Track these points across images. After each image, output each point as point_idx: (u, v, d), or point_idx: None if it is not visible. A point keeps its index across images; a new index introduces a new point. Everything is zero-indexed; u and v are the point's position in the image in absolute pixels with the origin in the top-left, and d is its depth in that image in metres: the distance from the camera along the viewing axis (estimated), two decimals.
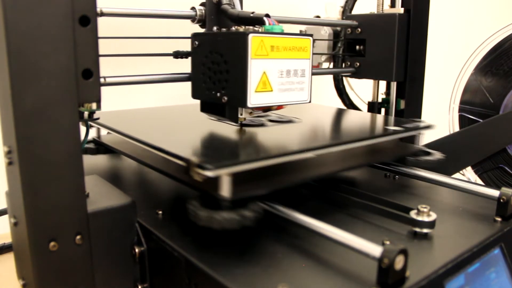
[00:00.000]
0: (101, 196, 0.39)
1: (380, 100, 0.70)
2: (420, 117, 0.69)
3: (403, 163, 0.50)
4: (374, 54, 0.65)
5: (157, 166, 0.43)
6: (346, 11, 0.70)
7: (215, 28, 0.50)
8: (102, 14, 0.44)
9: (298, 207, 0.37)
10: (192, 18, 0.51)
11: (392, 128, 0.49)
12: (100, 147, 0.55)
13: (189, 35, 0.46)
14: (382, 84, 0.70)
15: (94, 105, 0.36)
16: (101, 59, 0.34)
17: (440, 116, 0.80)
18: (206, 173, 0.33)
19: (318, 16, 0.73)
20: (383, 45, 0.63)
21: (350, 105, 0.75)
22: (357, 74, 0.67)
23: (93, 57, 0.34)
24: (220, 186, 0.34)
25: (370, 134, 0.47)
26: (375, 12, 0.66)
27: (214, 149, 0.40)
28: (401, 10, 0.63)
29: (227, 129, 0.48)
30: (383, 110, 0.70)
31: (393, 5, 0.66)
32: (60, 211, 0.33)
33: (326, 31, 0.69)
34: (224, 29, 0.49)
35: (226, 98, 0.42)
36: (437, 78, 0.94)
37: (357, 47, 0.67)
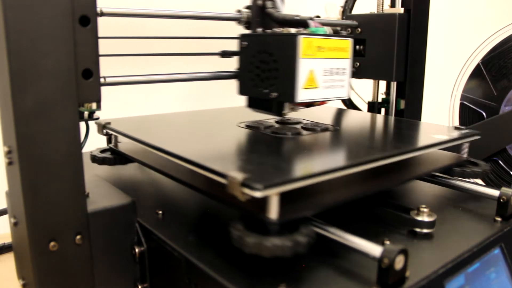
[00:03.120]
0: (101, 196, 0.39)
1: (380, 100, 0.70)
2: (420, 117, 0.69)
3: (450, 174, 0.47)
4: (374, 54, 0.65)
5: (184, 179, 0.40)
6: (346, 11, 0.70)
7: (259, 29, 0.53)
8: (102, 14, 0.44)
9: None
10: (238, 20, 0.54)
11: (441, 136, 0.46)
12: (117, 156, 0.50)
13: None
14: (382, 84, 0.70)
15: (94, 105, 0.36)
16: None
17: (440, 103, 0.80)
18: (254, 193, 0.29)
19: (318, 16, 0.73)
20: (383, 45, 0.63)
21: (350, 105, 0.75)
22: (357, 74, 0.67)
23: (93, 57, 0.34)
24: (267, 207, 0.30)
25: (422, 143, 0.44)
26: (375, 12, 0.66)
27: (256, 163, 0.36)
28: (401, 10, 0.63)
29: (261, 139, 0.45)
30: (383, 110, 0.70)
31: (393, 5, 0.66)
32: (60, 211, 0.33)
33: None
34: (269, 31, 0.51)
35: (275, 94, 0.44)
36: (439, 73, 0.94)
37: (357, 47, 0.67)
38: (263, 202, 0.30)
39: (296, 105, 0.46)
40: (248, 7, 0.54)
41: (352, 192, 0.38)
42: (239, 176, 0.30)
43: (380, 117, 0.62)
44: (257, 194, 0.29)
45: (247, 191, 0.30)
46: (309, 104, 0.47)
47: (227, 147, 0.43)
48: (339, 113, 0.64)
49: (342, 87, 0.47)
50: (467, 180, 0.47)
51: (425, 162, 0.48)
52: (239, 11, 0.54)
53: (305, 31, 0.45)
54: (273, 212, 0.31)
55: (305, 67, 0.43)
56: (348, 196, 0.37)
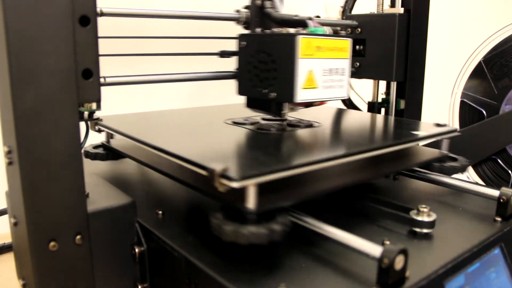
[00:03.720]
0: (101, 196, 0.39)
1: (380, 100, 0.70)
2: (420, 116, 0.69)
3: (429, 169, 0.49)
4: (374, 54, 0.65)
5: (172, 173, 0.42)
6: (346, 11, 0.70)
7: (258, 29, 0.53)
8: (102, 14, 0.44)
9: (298, 207, 0.37)
10: (237, 20, 0.54)
11: (419, 133, 0.47)
12: (110, 152, 0.52)
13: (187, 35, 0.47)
14: (382, 84, 0.70)
15: (94, 105, 0.36)
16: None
17: (440, 102, 0.80)
18: (231, 183, 0.31)
19: (318, 16, 0.73)
20: (383, 45, 0.63)
21: (350, 105, 0.75)
22: (357, 74, 0.67)
23: (93, 57, 0.34)
24: (245, 197, 0.32)
25: (399, 139, 0.45)
26: (375, 12, 0.66)
27: (237, 157, 0.38)
28: (401, 10, 0.63)
29: (246, 135, 0.46)
30: (383, 110, 0.70)
31: (393, 5, 0.66)
32: (60, 211, 0.33)
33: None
34: (267, 31, 0.51)
35: (274, 94, 0.44)
36: (440, 71, 0.94)
37: (357, 47, 0.67)
38: (241, 193, 0.32)
39: (295, 105, 0.46)
40: (247, 7, 0.54)
41: (331, 184, 0.39)
42: (218, 167, 0.31)
43: (366, 115, 0.63)
44: (235, 184, 0.31)
45: (225, 181, 0.31)
46: (308, 104, 0.47)
47: (212, 142, 0.44)
48: (332, 112, 0.64)
49: (342, 87, 0.47)
50: (467, 180, 0.47)
51: (404, 157, 0.49)
52: (238, 11, 0.54)
53: (304, 31, 0.45)
54: (251, 202, 0.32)
55: (304, 67, 0.43)
56: (327, 188, 0.39)
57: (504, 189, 0.41)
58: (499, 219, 0.41)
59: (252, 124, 0.50)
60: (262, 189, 0.33)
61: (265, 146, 0.43)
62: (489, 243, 0.38)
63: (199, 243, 0.36)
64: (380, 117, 0.62)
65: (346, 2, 0.71)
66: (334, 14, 0.73)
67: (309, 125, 0.51)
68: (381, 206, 0.41)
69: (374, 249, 0.30)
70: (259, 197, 0.32)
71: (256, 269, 0.32)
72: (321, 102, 0.47)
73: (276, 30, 0.48)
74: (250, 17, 0.53)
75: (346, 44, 0.47)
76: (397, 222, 0.39)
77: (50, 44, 0.31)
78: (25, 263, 0.35)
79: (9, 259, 0.59)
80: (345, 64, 0.47)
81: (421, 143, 0.48)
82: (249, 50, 0.47)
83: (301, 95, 0.43)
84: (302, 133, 0.48)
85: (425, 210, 0.38)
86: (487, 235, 0.38)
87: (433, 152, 0.51)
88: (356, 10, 0.71)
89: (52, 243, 0.33)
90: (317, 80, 0.44)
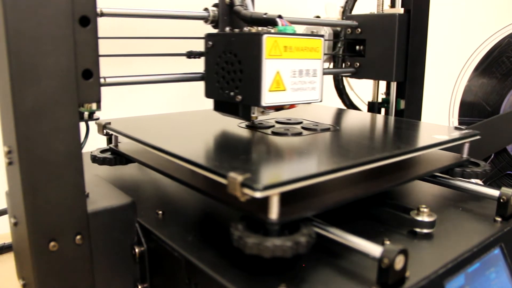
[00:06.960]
0: (101, 196, 0.39)
1: (380, 100, 0.70)
2: (420, 117, 0.69)
3: (450, 174, 0.47)
4: (374, 54, 0.65)
5: (184, 179, 0.40)
6: (346, 11, 0.70)
7: (227, 28, 0.51)
8: (102, 14, 0.44)
9: None
10: (205, 19, 0.52)
11: (441, 137, 0.45)
12: (118, 157, 0.50)
13: (196, 35, 0.46)
14: (382, 84, 0.70)
15: (94, 106, 0.36)
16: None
17: (441, 96, 0.80)
18: (254, 193, 0.29)
19: (318, 16, 0.73)
20: (383, 45, 0.63)
21: (350, 105, 0.75)
22: (357, 74, 0.67)
23: (93, 58, 0.34)
24: (268, 207, 0.30)
25: (420, 143, 0.44)
26: (375, 12, 0.66)
27: (257, 164, 0.36)
28: (401, 10, 0.63)
29: (260, 139, 0.45)
30: (383, 110, 0.70)
31: (393, 5, 0.66)
32: (60, 211, 0.33)
33: (326, 31, 0.69)
34: (236, 30, 0.49)
35: (240, 97, 0.43)
36: (442, 67, 0.94)
37: (357, 47, 0.67)
38: (263, 203, 0.30)
39: (266, 108, 0.44)
40: (215, 5, 0.51)
41: (353, 193, 0.37)
42: (239, 176, 0.30)
43: (380, 117, 0.62)
44: (257, 194, 0.29)
45: (247, 191, 0.30)
46: (278, 108, 0.44)
47: (227, 147, 0.43)
48: (339, 113, 0.63)
49: (314, 89, 0.45)
50: (467, 180, 0.47)
51: (425, 162, 0.47)
52: (206, 9, 0.51)
53: (272, 30, 0.42)
54: (274, 212, 0.30)
55: (270, 68, 0.41)
56: (349, 197, 0.37)
57: (504, 189, 0.41)
58: (499, 219, 0.41)
59: (266, 127, 0.49)
60: (283, 198, 0.31)
61: (283, 152, 0.41)
62: (489, 243, 0.38)
63: (199, 243, 0.36)
64: (396, 120, 0.60)
65: (346, 2, 0.71)
66: (334, 14, 0.73)
67: (326, 129, 0.49)
68: (381, 206, 0.41)
69: (374, 249, 0.30)
70: (281, 207, 0.31)
71: (256, 269, 0.32)
72: (291, 106, 0.45)
73: (245, 29, 0.45)
74: (218, 15, 0.51)
75: (318, 43, 0.44)
76: (397, 222, 0.39)
77: (50, 44, 0.31)
78: (25, 263, 0.35)
79: (9, 259, 0.59)
80: (317, 65, 0.44)
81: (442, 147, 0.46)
82: (216, 50, 0.45)
83: (267, 98, 0.41)
84: (320, 137, 0.46)
85: (425, 210, 0.38)
86: (487, 235, 0.38)
87: (452, 157, 0.50)
88: (356, 10, 0.71)
89: (52, 243, 0.33)
90: (285, 82, 0.42)
